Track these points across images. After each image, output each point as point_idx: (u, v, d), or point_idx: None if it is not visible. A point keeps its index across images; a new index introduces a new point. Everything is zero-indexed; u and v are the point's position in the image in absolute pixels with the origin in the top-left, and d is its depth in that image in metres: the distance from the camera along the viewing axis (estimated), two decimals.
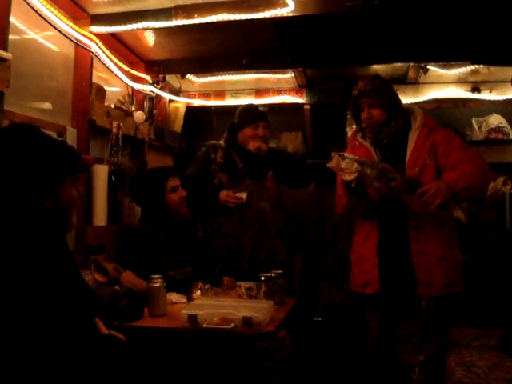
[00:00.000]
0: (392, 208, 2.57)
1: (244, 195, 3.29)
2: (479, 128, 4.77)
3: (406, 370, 2.62)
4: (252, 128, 3.40)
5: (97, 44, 3.48)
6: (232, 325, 2.04)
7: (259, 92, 4.92)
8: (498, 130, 4.68)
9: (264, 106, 3.71)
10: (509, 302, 3.81)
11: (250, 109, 3.54)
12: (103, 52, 3.58)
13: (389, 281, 2.59)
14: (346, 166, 2.42)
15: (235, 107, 4.88)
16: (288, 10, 3.09)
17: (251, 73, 4.65)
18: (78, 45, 3.35)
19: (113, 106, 3.77)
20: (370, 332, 2.76)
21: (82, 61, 3.41)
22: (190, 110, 5.03)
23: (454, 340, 3.17)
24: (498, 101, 4.64)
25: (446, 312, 2.63)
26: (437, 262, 2.54)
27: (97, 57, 3.54)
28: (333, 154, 2.49)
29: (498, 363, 2.87)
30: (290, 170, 3.63)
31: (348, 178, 2.42)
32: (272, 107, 4.68)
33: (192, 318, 2.08)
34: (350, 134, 4.75)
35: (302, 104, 4.93)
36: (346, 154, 2.47)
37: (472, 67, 4.47)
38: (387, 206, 2.58)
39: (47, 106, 3.15)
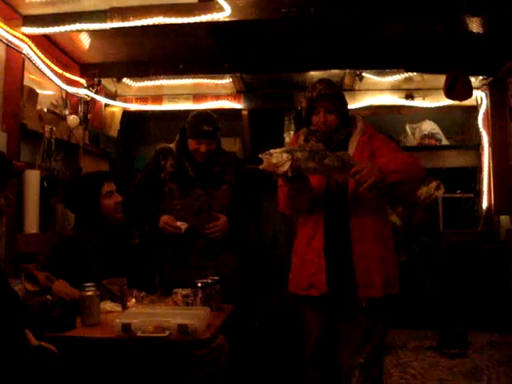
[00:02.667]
0: (336, 204, 2.59)
1: (184, 226, 3.15)
2: (413, 134, 4.91)
3: (346, 373, 2.63)
4: (195, 142, 3.27)
5: (29, 46, 3.38)
6: (167, 333, 2.01)
7: (197, 97, 4.90)
8: (431, 136, 4.82)
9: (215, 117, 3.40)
10: (443, 303, 3.91)
11: (197, 122, 3.29)
12: (36, 54, 3.49)
13: (335, 282, 2.59)
14: (276, 160, 2.39)
15: (173, 112, 4.89)
16: (224, 14, 3.09)
17: (189, 77, 4.65)
18: (9, 46, 3.24)
19: (45, 109, 3.67)
20: (310, 335, 2.76)
21: (13, 63, 3.30)
22: (126, 114, 4.96)
23: (390, 342, 3.22)
24: (431, 108, 4.79)
25: (383, 314, 2.66)
26: (376, 262, 2.57)
27: (29, 59, 3.44)
28: (260, 155, 2.46)
29: (433, 363, 2.93)
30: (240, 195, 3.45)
31: (283, 169, 2.38)
32: None
33: (126, 327, 2.03)
34: (287, 139, 4.81)
35: (240, 109, 4.95)
36: (271, 150, 2.43)
37: (406, 75, 4.60)
38: (332, 197, 2.60)
39: None
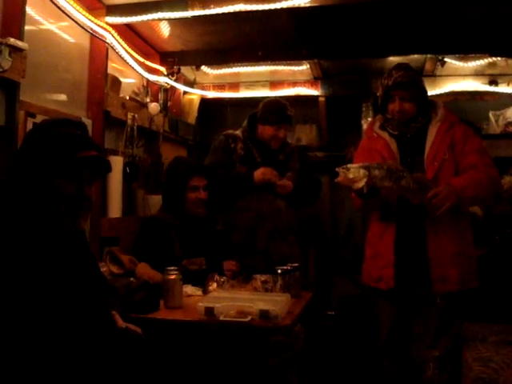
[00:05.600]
0: (410, 205, 2.52)
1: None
2: (496, 121, 4.72)
3: (420, 365, 2.60)
4: (274, 128, 3.31)
5: (112, 35, 3.46)
6: (249, 318, 2.03)
7: (274, 84, 4.90)
8: None
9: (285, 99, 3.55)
10: None
11: (278, 108, 3.36)
12: (118, 43, 3.57)
13: (403, 277, 2.56)
14: (353, 175, 2.40)
15: (249, 99, 4.90)
16: (305, 0, 3.05)
17: (266, 65, 4.63)
18: (93, 35, 3.34)
19: (128, 97, 3.76)
20: (382, 326, 2.74)
21: (98, 52, 3.40)
22: (204, 101, 5.02)
23: (470, 335, 3.14)
24: None
25: (460, 308, 2.60)
26: (452, 258, 2.51)
27: (112, 48, 3.53)
28: (336, 169, 2.47)
29: None
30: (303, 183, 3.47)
31: (359, 185, 2.39)
32: (286, 99, 4.66)
33: (209, 311, 2.06)
34: (365, 126, 4.73)
35: (317, 96, 4.91)
36: (348, 165, 2.45)
37: (489, 60, 4.43)
38: (405, 205, 2.54)
39: (62, 96, 3.15)
